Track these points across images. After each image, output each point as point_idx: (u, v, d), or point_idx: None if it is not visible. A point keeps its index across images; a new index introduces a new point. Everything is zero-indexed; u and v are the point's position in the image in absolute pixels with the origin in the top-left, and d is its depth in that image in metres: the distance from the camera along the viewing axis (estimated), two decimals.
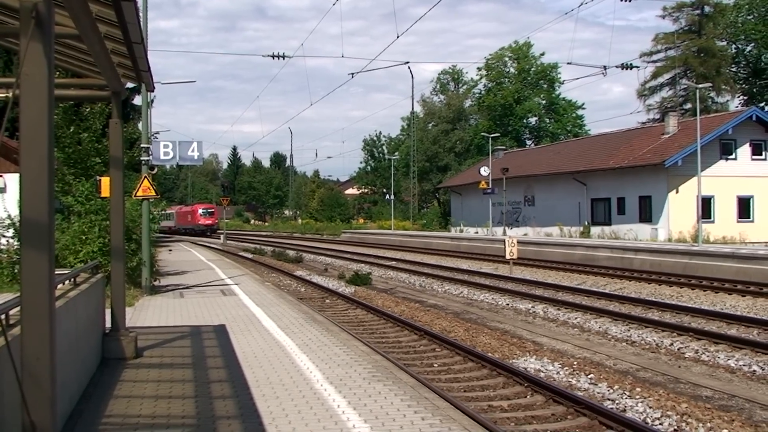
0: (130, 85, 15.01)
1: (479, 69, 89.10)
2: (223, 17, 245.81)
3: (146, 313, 17.61)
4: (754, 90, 67.09)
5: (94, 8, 7.63)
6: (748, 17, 66.07)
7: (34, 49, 4.89)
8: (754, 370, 12.79)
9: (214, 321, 16.02)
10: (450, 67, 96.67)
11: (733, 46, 69.93)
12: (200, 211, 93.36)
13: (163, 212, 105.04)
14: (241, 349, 12.50)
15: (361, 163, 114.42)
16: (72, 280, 9.82)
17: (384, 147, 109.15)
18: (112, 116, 12.23)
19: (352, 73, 45.00)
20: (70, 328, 8.38)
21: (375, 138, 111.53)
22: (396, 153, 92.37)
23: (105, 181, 17.93)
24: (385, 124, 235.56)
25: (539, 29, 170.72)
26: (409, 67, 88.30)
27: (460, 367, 13.37)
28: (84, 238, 19.58)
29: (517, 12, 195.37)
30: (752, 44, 67.11)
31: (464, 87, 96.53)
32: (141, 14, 15.65)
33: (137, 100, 37.29)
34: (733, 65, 70.39)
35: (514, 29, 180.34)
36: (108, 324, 12.13)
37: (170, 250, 48.03)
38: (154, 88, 14.13)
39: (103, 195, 18.79)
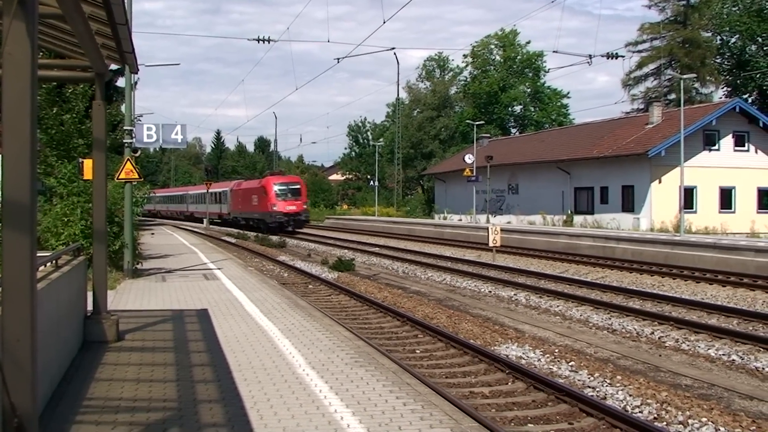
0: (113, 66, 14.91)
1: (465, 56, 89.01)
2: None
3: (128, 296, 17.56)
4: (738, 81, 67.27)
5: None
6: (733, 9, 66.25)
7: (17, 28, 4.84)
8: (734, 360, 12.89)
9: (197, 305, 15.99)
10: (436, 54, 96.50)
11: (718, 37, 70.11)
12: (276, 188, 54.49)
13: (209, 191, 71.08)
14: (223, 334, 12.49)
15: (345, 148, 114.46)
16: (54, 262, 9.75)
17: (369, 133, 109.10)
18: (95, 98, 12.14)
19: (338, 59, 44.79)
20: (52, 311, 8.34)
21: (360, 124, 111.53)
22: (381, 139, 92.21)
23: (87, 164, 17.83)
24: (370, 110, 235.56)
25: (526, 17, 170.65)
26: (395, 53, 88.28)
27: (442, 353, 13.41)
28: (66, 220, 19.44)
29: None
30: (737, 36, 67.29)
31: (450, 74, 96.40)
32: None
33: (120, 82, 37.08)
34: (717, 56, 70.56)
35: (502, 17, 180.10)
36: (89, 307, 12.09)
37: (152, 234, 47.89)
38: (138, 70, 14.05)
39: (85, 177, 18.68)
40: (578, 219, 49.15)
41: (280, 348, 11.33)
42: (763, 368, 12.27)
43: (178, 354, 10.91)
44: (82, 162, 19.10)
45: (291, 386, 8.95)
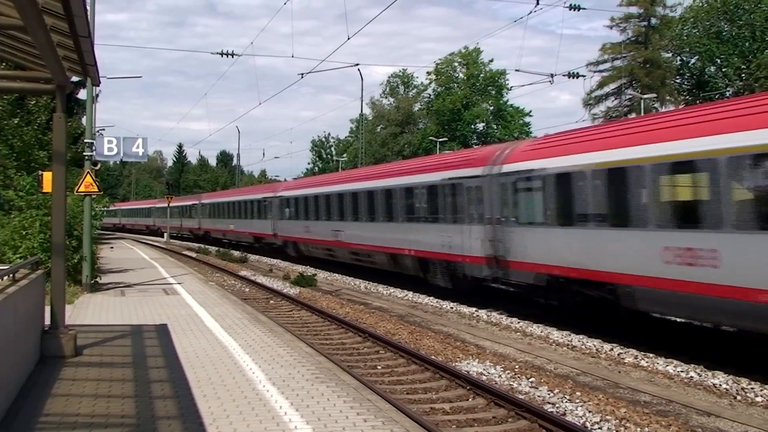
0: (75, 78, 14.81)
1: (429, 73, 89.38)
2: (172, 12, 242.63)
3: (86, 311, 17.36)
4: (698, 102, 68.28)
5: (41, 0, 7.51)
6: (693, 30, 67.28)
7: None
8: (692, 377, 13.02)
9: (156, 320, 15.85)
10: (400, 71, 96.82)
11: (678, 58, 71.12)
12: None
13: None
14: (182, 349, 12.38)
15: (309, 163, 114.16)
16: (11, 276, 9.63)
17: (332, 148, 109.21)
18: (56, 110, 12.04)
19: (302, 74, 44.79)
20: (8, 325, 8.23)
21: (323, 139, 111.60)
22: (344, 155, 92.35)
23: (47, 176, 17.65)
24: (334, 126, 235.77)
25: (490, 35, 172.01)
26: (359, 69, 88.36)
27: (403, 369, 13.41)
28: (24, 233, 19.24)
29: (470, 17, 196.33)
30: (696, 57, 68.32)
31: (414, 91, 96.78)
32: (88, 7, 15.44)
33: (82, 94, 36.79)
34: (677, 77, 71.57)
35: (467, 34, 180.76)
36: (47, 321, 11.93)
37: (112, 248, 47.41)
38: (99, 82, 13.95)
39: (45, 190, 18.50)
40: None
41: (240, 364, 11.26)
42: (720, 385, 12.41)
43: (137, 369, 10.80)
44: (42, 174, 18.91)
45: (251, 402, 8.90)
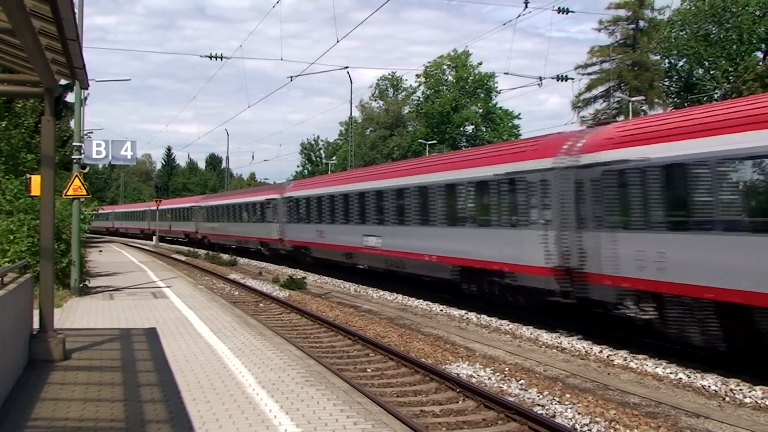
0: (63, 81, 14.75)
1: (418, 76, 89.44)
2: (161, 15, 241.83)
3: (75, 314, 17.30)
4: (686, 104, 68.35)
5: (29, 3, 7.49)
6: (681, 33, 67.52)
7: None
8: (681, 378, 13.05)
9: (145, 324, 15.80)
10: (389, 74, 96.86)
11: (666, 60, 71.34)
12: None
13: None
14: (171, 353, 12.35)
15: (298, 166, 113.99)
16: None
17: (322, 151, 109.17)
18: (44, 113, 12.01)
19: (291, 77, 44.66)
20: None
21: (313, 142, 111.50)
22: (333, 157, 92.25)
23: (35, 180, 17.58)
24: (323, 128, 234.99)
25: (479, 38, 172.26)
26: (348, 72, 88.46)
27: (393, 372, 13.40)
28: (12, 237, 19.15)
29: (459, 20, 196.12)
30: (684, 59, 68.55)
31: (403, 93, 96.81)
32: (77, 10, 15.41)
33: (70, 97, 36.68)
34: (665, 79, 71.79)
35: (456, 37, 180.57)
36: (36, 325, 11.88)
37: (101, 251, 47.26)
38: (88, 85, 13.92)
39: (33, 194, 18.42)
40: None
41: (229, 367, 11.24)
42: (709, 386, 12.45)
43: (126, 373, 10.77)
44: (30, 178, 18.84)
45: (240, 406, 8.88)
